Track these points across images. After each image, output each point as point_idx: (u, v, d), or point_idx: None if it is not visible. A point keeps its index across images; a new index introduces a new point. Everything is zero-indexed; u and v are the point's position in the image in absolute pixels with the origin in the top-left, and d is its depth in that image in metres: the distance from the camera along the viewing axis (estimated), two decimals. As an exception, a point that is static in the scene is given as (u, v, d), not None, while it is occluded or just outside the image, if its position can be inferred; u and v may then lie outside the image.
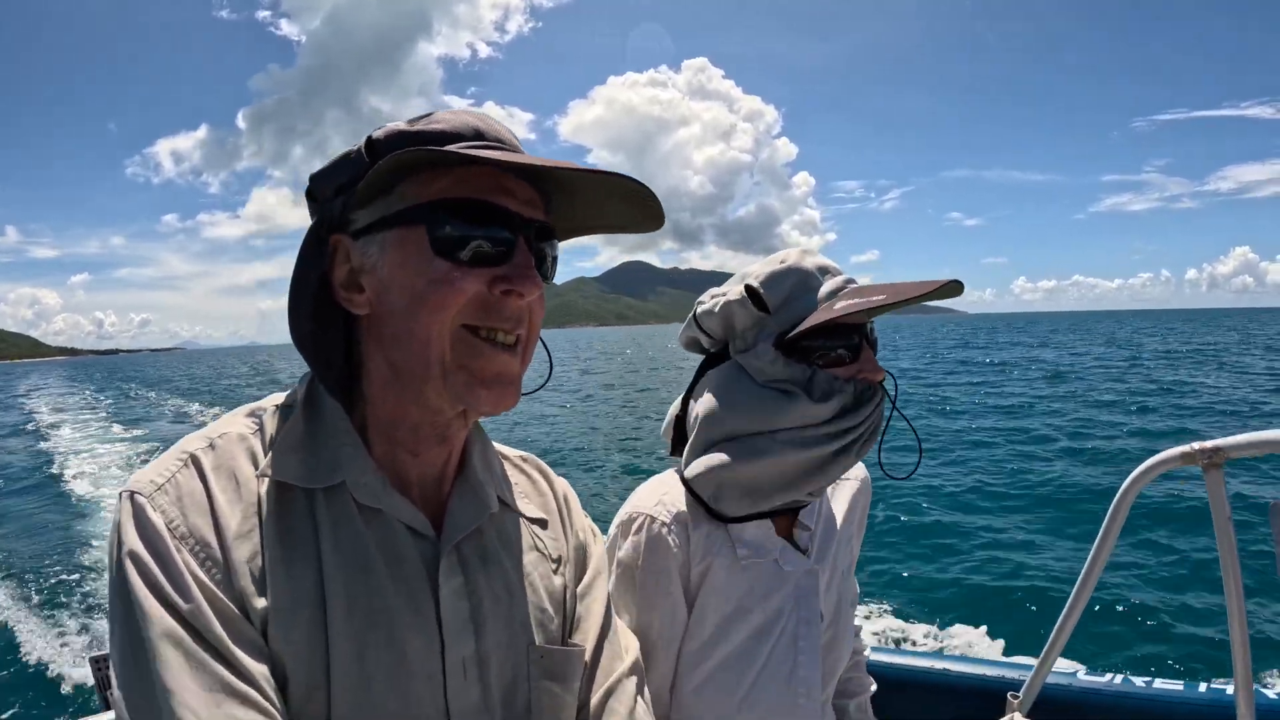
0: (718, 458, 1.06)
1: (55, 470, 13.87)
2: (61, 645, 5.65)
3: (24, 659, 5.44)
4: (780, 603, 1.10)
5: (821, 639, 1.16)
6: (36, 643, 5.67)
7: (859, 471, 1.28)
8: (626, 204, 0.75)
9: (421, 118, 0.72)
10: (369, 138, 0.71)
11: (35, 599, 6.62)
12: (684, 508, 1.09)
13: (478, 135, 0.71)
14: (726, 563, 1.08)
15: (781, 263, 1.10)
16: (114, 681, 0.61)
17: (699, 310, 1.17)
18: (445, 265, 0.68)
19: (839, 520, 1.23)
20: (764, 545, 1.11)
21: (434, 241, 0.68)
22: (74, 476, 13.12)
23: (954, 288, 1.02)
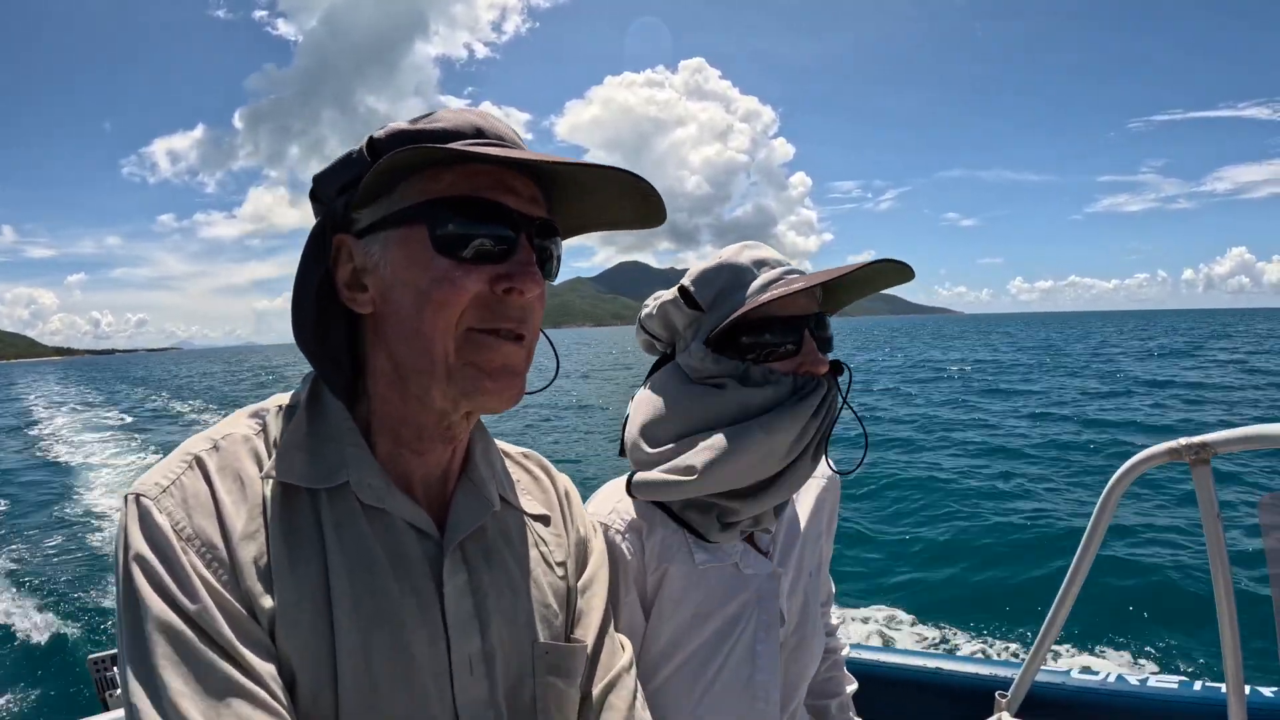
0: (658, 474, 1.02)
1: (52, 469, 13.80)
2: (60, 645, 5.63)
3: (22, 659, 5.39)
4: (739, 608, 1.09)
5: (786, 643, 1.15)
6: (35, 642, 5.61)
7: (825, 469, 1.24)
8: (628, 199, 0.75)
9: (423, 117, 0.73)
10: (371, 138, 0.72)
11: (34, 599, 6.55)
12: (637, 514, 1.08)
13: (478, 133, 0.71)
14: (683, 569, 1.07)
15: (717, 259, 1.09)
16: (122, 682, 0.61)
17: (642, 314, 1.18)
18: (447, 263, 0.68)
19: (804, 520, 1.21)
20: (723, 549, 1.09)
21: (435, 240, 0.68)
22: (74, 475, 13.06)
23: (885, 268, 1.00)
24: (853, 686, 1.38)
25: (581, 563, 0.92)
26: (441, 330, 0.69)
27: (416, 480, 0.77)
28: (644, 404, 1.09)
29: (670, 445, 1.04)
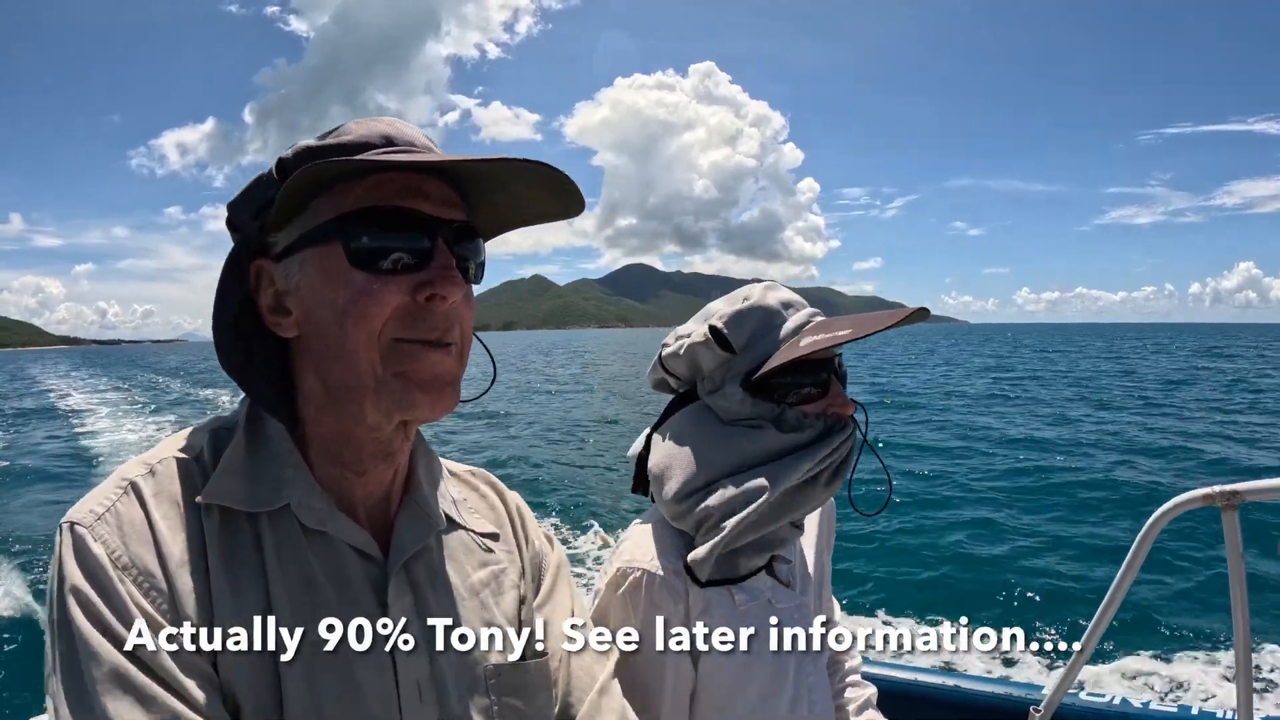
0: (718, 520, 1.02)
1: (56, 462, 13.66)
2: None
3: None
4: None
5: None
6: (20, 659, 5.14)
7: None
8: (546, 191, 0.73)
9: (331, 132, 0.71)
10: (280, 158, 0.70)
11: (24, 606, 6.04)
12: (682, 560, 1.05)
13: (388, 141, 0.70)
14: (726, 614, 1.05)
15: (745, 300, 1.09)
16: (53, 717, 0.58)
17: (664, 353, 1.16)
18: (364, 277, 0.67)
19: (812, 544, 1.21)
20: (756, 587, 1.08)
21: (350, 254, 0.67)
22: (72, 470, 12.88)
23: (920, 314, 1.02)
24: (870, 690, 1.35)
25: (538, 580, 0.90)
26: (365, 344, 0.67)
27: (358, 502, 0.75)
28: (684, 450, 1.08)
29: (703, 491, 1.04)
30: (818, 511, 1.24)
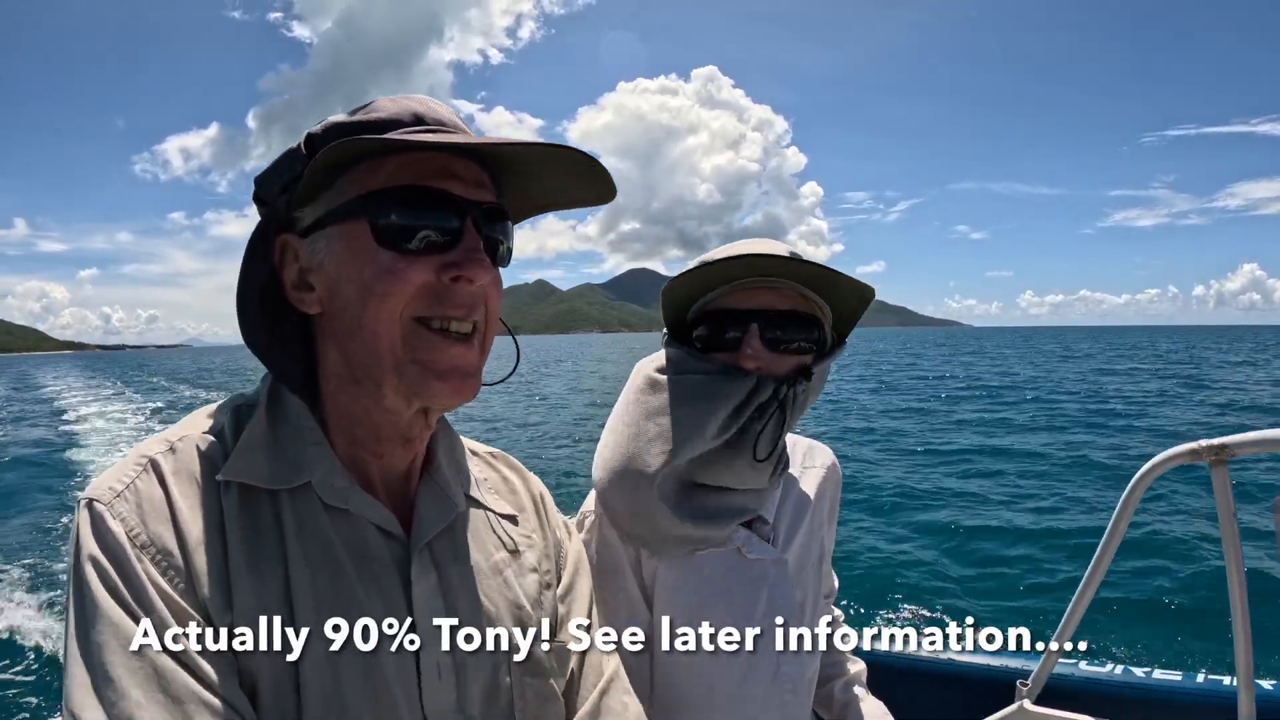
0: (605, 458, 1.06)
1: (65, 461, 13.77)
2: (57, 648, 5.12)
3: (20, 665, 4.99)
4: (749, 595, 1.06)
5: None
6: (34, 646, 5.18)
7: (826, 459, 1.25)
8: (577, 177, 0.73)
9: (362, 108, 0.71)
10: (309, 133, 0.70)
11: (38, 600, 6.07)
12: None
13: (418, 120, 0.69)
14: (682, 559, 1.05)
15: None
16: (67, 695, 0.57)
17: None
18: (390, 255, 0.66)
19: (808, 509, 1.18)
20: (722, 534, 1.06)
21: (377, 232, 0.67)
22: (83, 465, 13.02)
23: (857, 287, 1.03)
24: (858, 667, 1.34)
25: (559, 567, 0.90)
26: (386, 322, 0.67)
27: (377, 479, 0.75)
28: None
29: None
30: (819, 477, 1.22)
